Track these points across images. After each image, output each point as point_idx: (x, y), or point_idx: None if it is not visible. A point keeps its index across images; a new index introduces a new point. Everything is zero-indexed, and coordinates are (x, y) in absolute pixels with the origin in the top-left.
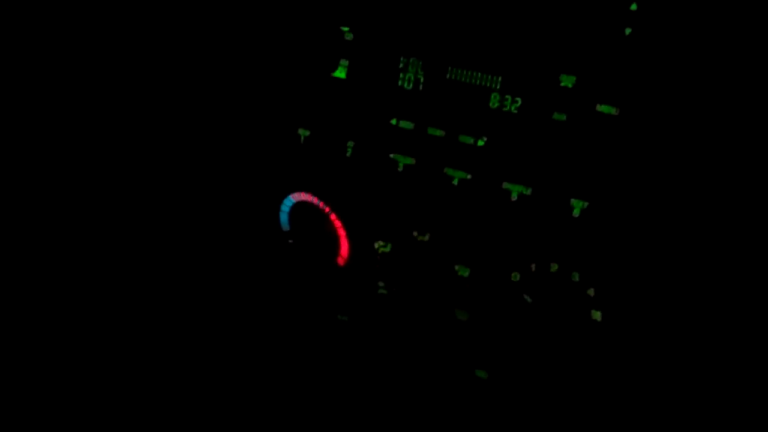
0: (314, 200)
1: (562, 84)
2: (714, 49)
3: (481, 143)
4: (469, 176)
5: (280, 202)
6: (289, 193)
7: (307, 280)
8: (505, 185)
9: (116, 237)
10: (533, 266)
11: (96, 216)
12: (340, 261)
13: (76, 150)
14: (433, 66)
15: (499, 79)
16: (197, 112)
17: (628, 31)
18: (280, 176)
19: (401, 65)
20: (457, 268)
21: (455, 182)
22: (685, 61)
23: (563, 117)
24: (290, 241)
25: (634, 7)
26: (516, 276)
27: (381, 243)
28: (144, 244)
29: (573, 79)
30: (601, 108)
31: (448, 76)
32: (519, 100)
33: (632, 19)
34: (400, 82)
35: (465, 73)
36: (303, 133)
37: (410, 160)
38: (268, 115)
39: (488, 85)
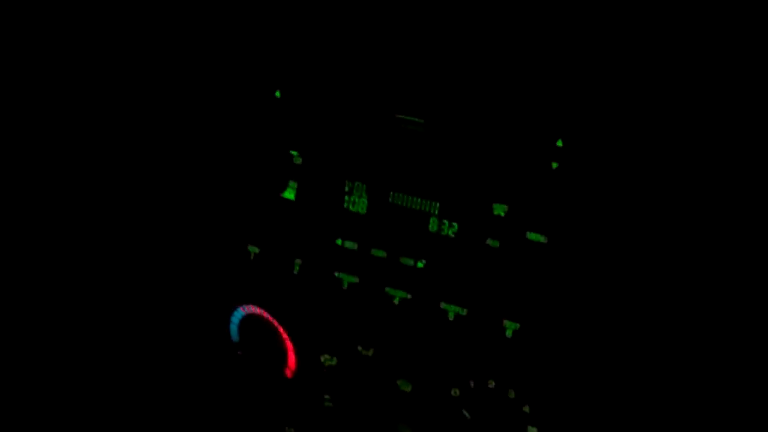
0: (263, 313)
1: (495, 212)
2: (631, 183)
3: (420, 265)
4: (409, 296)
5: (230, 314)
6: (238, 306)
7: (256, 391)
8: (443, 305)
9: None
10: (472, 383)
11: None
12: (288, 373)
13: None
14: (377, 190)
15: (438, 204)
16: (157, 224)
17: (554, 165)
18: (231, 289)
19: (347, 188)
20: (399, 382)
21: (396, 301)
22: (607, 194)
23: (496, 243)
24: (239, 352)
25: (560, 143)
26: (456, 392)
27: (327, 356)
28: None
29: (505, 207)
30: (531, 236)
31: (390, 200)
32: (456, 225)
33: (558, 155)
34: (345, 204)
35: (406, 198)
36: (253, 249)
37: (354, 279)
38: (220, 230)
39: (428, 210)
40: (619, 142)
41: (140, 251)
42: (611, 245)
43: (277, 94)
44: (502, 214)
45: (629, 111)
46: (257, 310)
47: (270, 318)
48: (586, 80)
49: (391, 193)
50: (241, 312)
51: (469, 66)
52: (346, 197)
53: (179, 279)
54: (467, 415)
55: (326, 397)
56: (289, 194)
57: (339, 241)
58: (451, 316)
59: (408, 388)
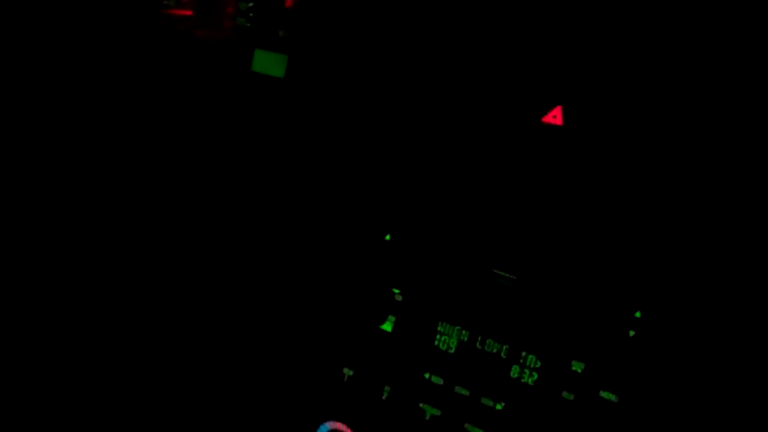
0: (348, 430)
1: (573, 368)
2: (704, 361)
3: (499, 407)
4: None
5: (316, 427)
6: (325, 421)
7: None
8: None
9: None
10: None
11: None
12: None
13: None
14: (467, 334)
15: (522, 354)
16: (263, 336)
17: (632, 333)
18: (321, 404)
19: (440, 328)
20: None
21: None
22: (676, 365)
23: (571, 396)
24: None
25: (638, 314)
26: None
27: None
28: None
29: (582, 365)
30: (603, 394)
31: (477, 345)
32: (535, 374)
33: (636, 325)
34: (436, 342)
35: (492, 344)
36: (347, 372)
37: (436, 411)
38: (322, 351)
39: (511, 358)
40: (694, 319)
41: (244, 355)
42: (678, 411)
43: (387, 237)
44: (579, 371)
45: (704, 298)
46: (343, 427)
47: None
48: (665, 266)
49: (479, 338)
50: (327, 427)
51: (560, 238)
52: (438, 336)
53: (276, 388)
54: None
55: None
56: (387, 327)
57: (427, 375)
58: None
59: None
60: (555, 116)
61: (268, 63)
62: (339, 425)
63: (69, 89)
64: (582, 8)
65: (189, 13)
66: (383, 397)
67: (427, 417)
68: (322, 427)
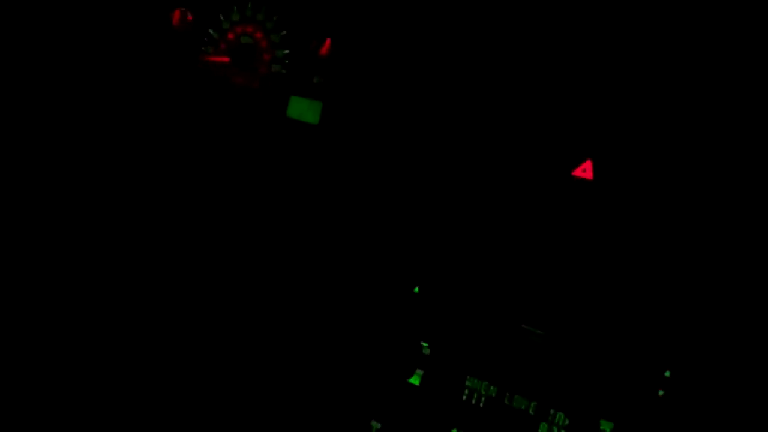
0: None
1: (601, 427)
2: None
3: None
4: None
5: None
6: None
7: None
8: None
9: None
10: None
11: None
12: None
13: None
14: (495, 390)
15: (551, 412)
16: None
17: (661, 392)
18: None
19: (468, 383)
20: None
21: None
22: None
23: None
24: None
25: (667, 374)
26: None
27: None
28: None
29: (611, 425)
30: None
31: (506, 401)
32: None
33: (665, 384)
34: (464, 397)
35: (521, 400)
36: (375, 425)
37: None
38: (349, 405)
39: (540, 415)
40: (723, 379)
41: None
42: None
43: (416, 290)
44: (608, 431)
45: (735, 359)
46: None
47: None
48: (695, 325)
49: (507, 393)
50: None
51: (589, 294)
52: (466, 391)
53: None
54: None
55: None
56: (415, 380)
57: (454, 430)
58: None
59: None
60: (585, 170)
61: (303, 109)
62: None
63: (112, 131)
64: (611, 61)
65: (226, 59)
66: None
67: None
68: None
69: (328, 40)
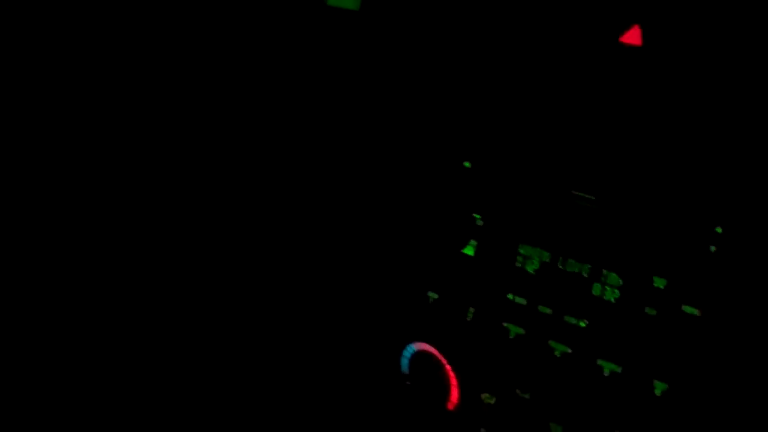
0: (433, 351)
1: (655, 284)
2: None
3: (582, 324)
4: (569, 350)
5: (403, 348)
6: (411, 342)
7: (419, 420)
8: (600, 362)
9: None
10: None
11: None
12: (450, 406)
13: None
14: (548, 255)
15: (603, 272)
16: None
17: (713, 248)
18: (408, 327)
19: (521, 251)
20: (551, 425)
21: (557, 354)
22: (760, 280)
23: (654, 312)
24: (408, 383)
25: (719, 230)
26: None
27: (487, 395)
28: None
29: (664, 281)
30: (686, 308)
31: (559, 265)
32: (617, 292)
33: (717, 240)
34: (518, 264)
35: (574, 263)
36: (432, 295)
37: (521, 330)
38: (407, 275)
39: (593, 276)
40: None
41: (334, 284)
42: (761, 327)
43: (467, 164)
44: (662, 287)
45: None
46: (429, 348)
47: (439, 356)
48: (745, 182)
49: (560, 258)
50: (413, 348)
51: (638, 160)
52: (519, 258)
53: (365, 314)
54: None
55: (482, 431)
56: (469, 251)
57: (510, 296)
58: (606, 372)
59: (559, 430)
60: (633, 36)
61: None
62: (425, 346)
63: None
64: None
65: None
66: (468, 319)
67: (512, 336)
68: (408, 347)
69: None
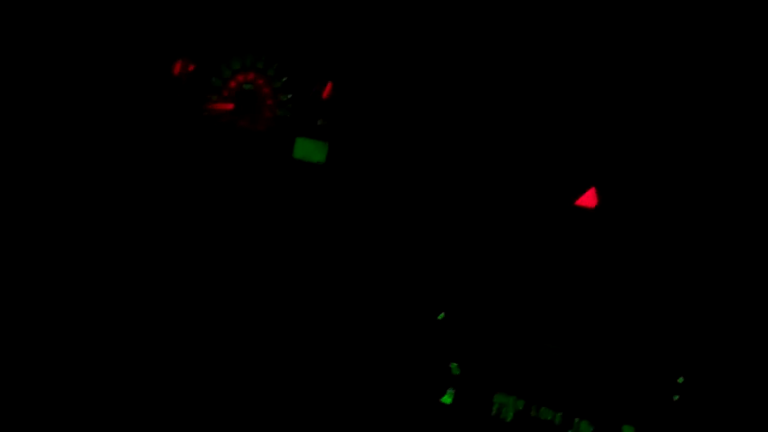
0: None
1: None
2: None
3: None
4: None
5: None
6: None
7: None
8: None
9: None
10: None
11: None
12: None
13: None
14: (522, 404)
15: (576, 421)
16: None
17: (676, 397)
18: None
19: (496, 399)
20: None
21: None
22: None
23: None
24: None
25: (680, 380)
26: None
27: None
28: None
29: (632, 429)
30: None
31: (532, 413)
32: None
33: (679, 390)
34: (493, 412)
35: (547, 412)
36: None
37: None
38: (387, 423)
39: (565, 424)
40: (733, 383)
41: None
42: None
43: (440, 316)
44: None
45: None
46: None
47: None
48: (702, 334)
49: (534, 406)
50: None
51: (604, 309)
52: (494, 407)
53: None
54: None
55: None
56: (447, 399)
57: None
58: None
59: None
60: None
61: (310, 150)
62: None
63: (121, 178)
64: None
65: (230, 106)
66: None
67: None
68: None
69: (330, 84)
